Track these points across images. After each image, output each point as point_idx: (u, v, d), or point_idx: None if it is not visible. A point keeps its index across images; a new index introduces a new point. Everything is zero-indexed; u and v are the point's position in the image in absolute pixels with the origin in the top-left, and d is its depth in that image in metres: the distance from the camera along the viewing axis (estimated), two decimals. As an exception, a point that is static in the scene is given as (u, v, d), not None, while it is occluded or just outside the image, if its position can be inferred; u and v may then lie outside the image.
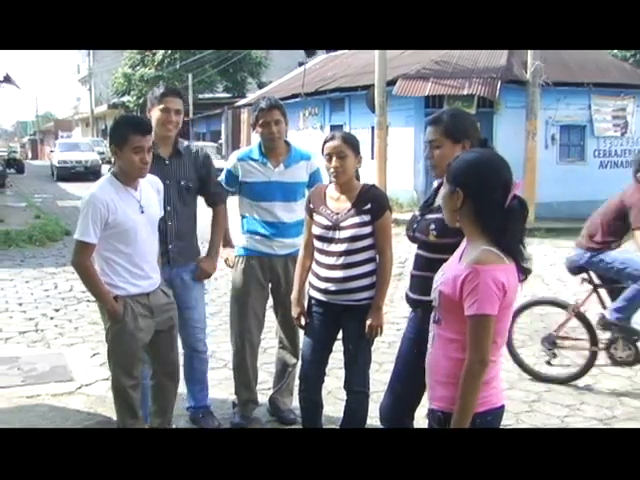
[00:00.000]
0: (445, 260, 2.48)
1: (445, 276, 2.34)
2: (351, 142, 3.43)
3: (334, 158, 3.38)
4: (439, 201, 2.73)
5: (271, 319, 4.32)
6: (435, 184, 3.17)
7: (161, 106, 3.79)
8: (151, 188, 3.51)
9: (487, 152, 2.46)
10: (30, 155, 60.60)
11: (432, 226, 2.90)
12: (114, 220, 3.26)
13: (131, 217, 3.31)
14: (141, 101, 32.24)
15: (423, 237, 2.95)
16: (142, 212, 3.36)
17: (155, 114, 3.81)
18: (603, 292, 5.10)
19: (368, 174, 9.67)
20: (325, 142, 3.45)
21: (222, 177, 4.11)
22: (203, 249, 4.16)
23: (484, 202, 2.25)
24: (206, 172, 4.03)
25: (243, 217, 4.08)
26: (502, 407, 2.39)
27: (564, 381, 4.98)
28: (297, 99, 18.53)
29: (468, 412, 2.24)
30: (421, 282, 2.90)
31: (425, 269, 2.63)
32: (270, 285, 4.11)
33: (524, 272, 2.30)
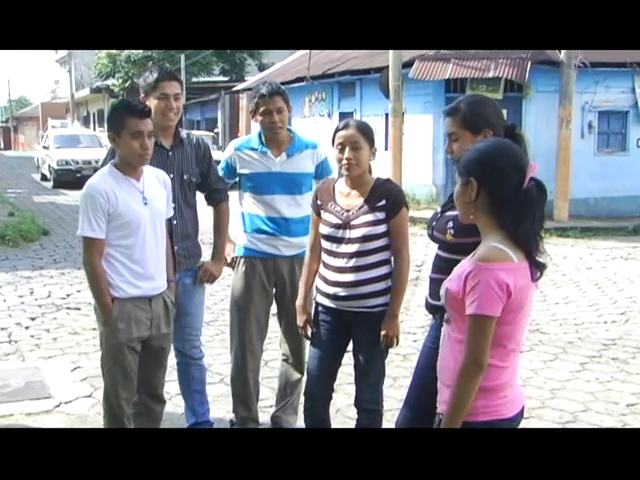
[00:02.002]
0: None
1: (453, 273, 2.43)
2: (366, 132, 3.44)
3: (347, 149, 3.39)
4: None
5: (274, 328, 4.34)
6: None
7: (157, 93, 3.78)
8: (156, 180, 3.53)
9: (497, 140, 2.59)
10: (2, 145, 60.77)
11: (450, 224, 2.94)
12: (115, 211, 3.30)
13: (134, 208, 3.35)
14: (127, 85, 32.33)
15: (441, 236, 3.00)
16: (145, 204, 3.39)
17: (152, 103, 3.78)
18: None
19: (381, 167, 9.68)
20: (337, 131, 3.46)
21: (219, 169, 4.13)
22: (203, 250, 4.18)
23: (499, 189, 2.34)
24: (207, 165, 4.05)
25: (244, 213, 4.10)
26: (512, 419, 2.44)
27: None
28: (302, 83, 18.53)
29: (457, 416, 2.33)
30: (440, 286, 2.91)
31: (444, 271, 2.64)
32: (274, 290, 4.12)
33: (538, 268, 2.38)
